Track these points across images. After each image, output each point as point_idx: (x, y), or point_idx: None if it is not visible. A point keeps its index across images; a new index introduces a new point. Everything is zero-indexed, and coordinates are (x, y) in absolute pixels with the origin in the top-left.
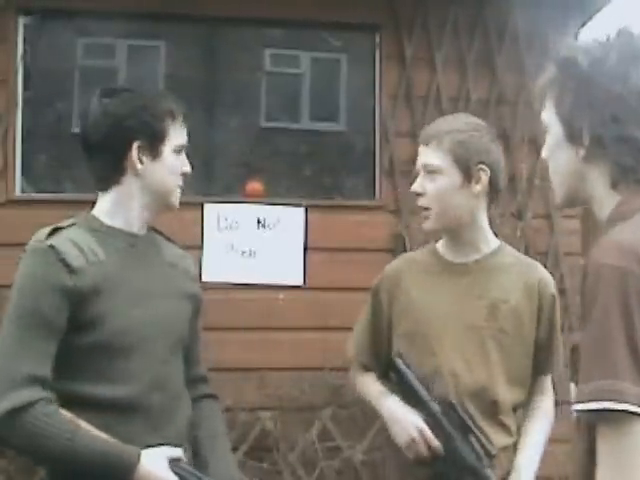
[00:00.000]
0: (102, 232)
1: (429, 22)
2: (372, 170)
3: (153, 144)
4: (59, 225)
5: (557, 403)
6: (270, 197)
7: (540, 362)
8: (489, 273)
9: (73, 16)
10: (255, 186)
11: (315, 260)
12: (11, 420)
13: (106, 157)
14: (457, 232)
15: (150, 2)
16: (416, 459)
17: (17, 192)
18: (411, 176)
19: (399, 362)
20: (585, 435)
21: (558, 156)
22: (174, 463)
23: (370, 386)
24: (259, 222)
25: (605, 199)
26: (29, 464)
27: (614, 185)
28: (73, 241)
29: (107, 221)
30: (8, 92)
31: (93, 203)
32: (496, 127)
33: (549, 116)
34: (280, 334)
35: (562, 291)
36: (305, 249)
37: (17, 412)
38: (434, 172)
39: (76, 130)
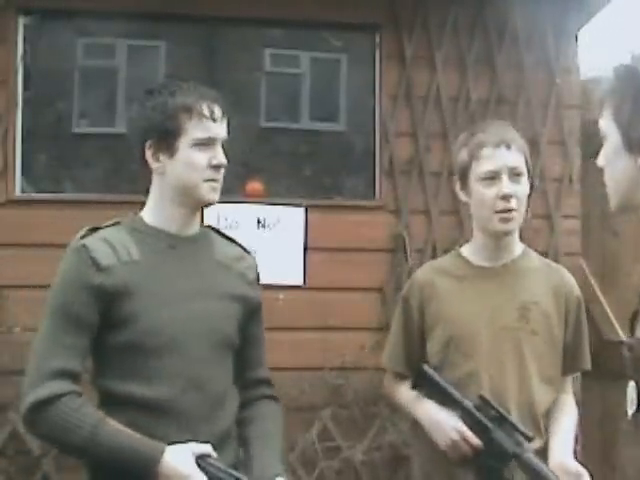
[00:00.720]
0: (142, 232)
1: (429, 22)
2: (372, 170)
3: (167, 141)
4: (99, 225)
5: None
6: (270, 197)
7: (567, 363)
8: (517, 276)
9: (73, 16)
10: (255, 186)
11: (315, 260)
12: (37, 412)
13: (137, 159)
14: (512, 234)
15: (150, 2)
16: (460, 459)
17: (17, 192)
18: (411, 176)
19: (426, 367)
20: None
21: (616, 164)
22: (202, 459)
23: (404, 393)
24: (259, 222)
25: None
26: (29, 464)
27: None
28: (107, 240)
29: (149, 221)
30: (8, 92)
31: (93, 203)
32: None
33: (607, 124)
34: (280, 334)
35: None
36: (305, 249)
37: (43, 404)
38: (520, 174)
39: (76, 130)
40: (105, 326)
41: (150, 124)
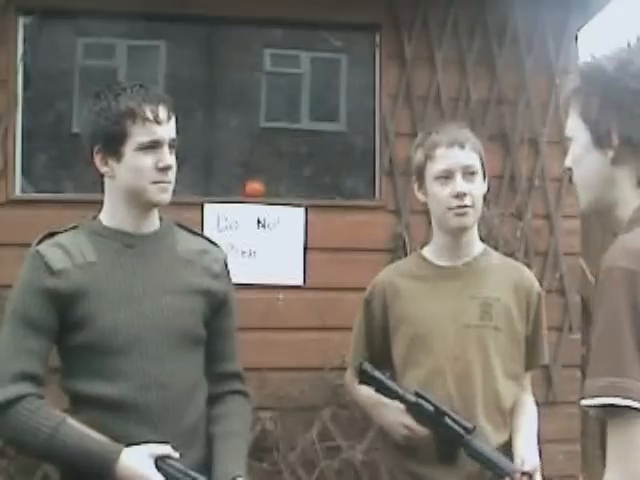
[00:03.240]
0: (99, 234)
1: (429, 22)
2: (372, 170)
3: (113, 146)
4: (55, 230)
5: (557, 403)
6: (270, 197)
7: (527, 358)
8: (478, 274)
9: (73, 16)
10: (255, 186)
11: (315, 260)
12: None
13: (89, 163)
14: (471, 232)
15: (150, 2)
16: (408, 443)
17: (17, 192)
18: (411, 176)
19: (366, 366)
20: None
21: (586, 162)
22: (162, 460)
23: (361, 391)
24: (259, 222)
25: (630, 199)
26: (29, 464)
27: None
28: (61, 244)
29: (106, 222)
30: (8, 92)
31: (93, 203)
32: (496, 127)
33: (575, 124)
34: (280, 334)
35: (562, 291)
36: (305, 249)
37: (3, 408)
38: (474, 173)
39: (76, 130)
40: (65, 328)
41: (96, 130)
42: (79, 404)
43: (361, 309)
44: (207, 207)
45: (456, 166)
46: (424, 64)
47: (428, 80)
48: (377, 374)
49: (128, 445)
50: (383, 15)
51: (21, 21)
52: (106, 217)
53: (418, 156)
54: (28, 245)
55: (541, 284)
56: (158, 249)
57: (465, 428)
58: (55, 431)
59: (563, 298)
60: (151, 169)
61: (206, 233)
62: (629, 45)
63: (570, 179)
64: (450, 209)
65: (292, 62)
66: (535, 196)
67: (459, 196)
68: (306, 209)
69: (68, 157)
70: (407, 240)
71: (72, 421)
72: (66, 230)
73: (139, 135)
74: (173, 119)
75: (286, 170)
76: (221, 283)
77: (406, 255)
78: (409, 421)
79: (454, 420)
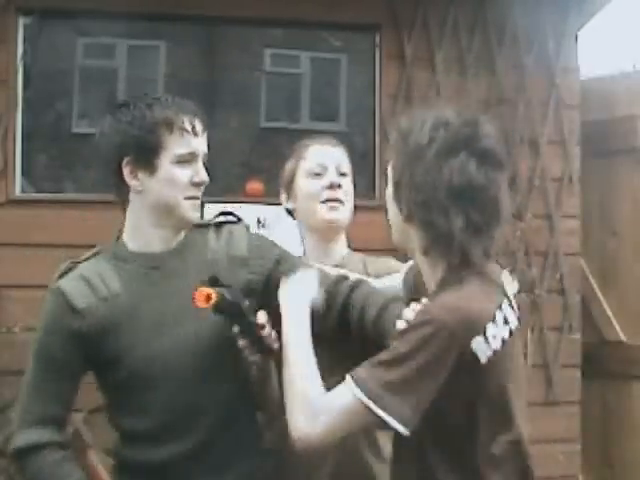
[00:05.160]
0: (123, 259)
1: (429, 22)
2: (372, 170)
3: (146, 158)
4: (77, 259)
5: (557, 403)
6: (270, 197)
7: None
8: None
9: (73, 16)
10: (255, 186)
11: None
12: (20, 459)
13: (112, 178)
14: (339, 231)
15: (150, 2)
16: None
17: (17, 192)
18: None
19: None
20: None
21: (390, 206)
22: None
23: None
24: (259, 222)
25: (420, 261)
26: None
27: (424, 253)
28: (83, 277)
29: (130, 246)
30: (8, 92)
31: (93, 203)
32: (496, 127)
33: (390, 169)
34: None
35: (562, 291)
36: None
37: (25, 453)
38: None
39: (76, 130)
40: (97, 365)
41: (127, 140)
42: (124, 438)
43: None
44: (207, 207)
45: (329, 162)
46: (424, 64)
47: (428, 80)
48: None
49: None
50: (383, 15)
51: (21, 21)
52: (130, 239)
53: (289, 165)
54: (28, 245)
55: (541, 284)
56: (186, 262)
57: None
58: None
59: (563, 298)
60: (186, 183)
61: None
62: (437, 126)
63: (570, 179)
64: (322, 202)
65: (292, 62)
66: (535, 196)
67: (332, 187)
68: None
69: (68, 157)
70: None
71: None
72: (88, 258)
73: (176, 146)
74: (206, 133)
75: None
76: (253, 265)
77: (406, 255)
78: None
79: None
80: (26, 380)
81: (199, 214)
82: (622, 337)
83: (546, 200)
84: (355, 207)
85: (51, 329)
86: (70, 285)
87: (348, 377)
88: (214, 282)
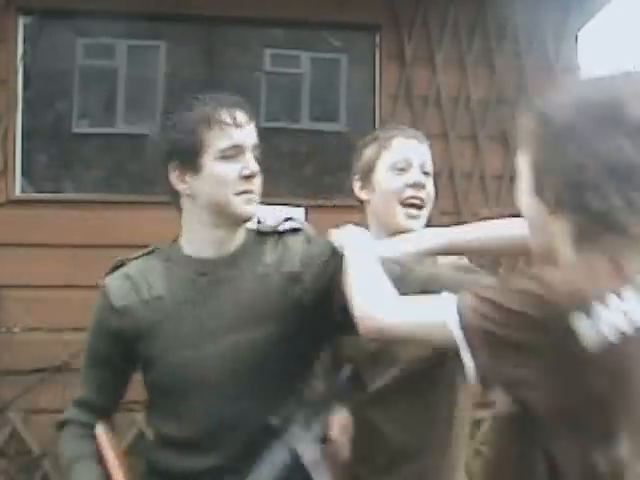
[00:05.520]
0: (175, 262)
1: (429, 22)
2: None
3: (190, 159)
4: (128, 257)
5: None
6: (270, 197)
7: None
8: None
9: (73, 16)
10: None
11: None
12: (57, 432)
13: (164, 185)
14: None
15: (150, 2)
16: None
17: (17, 192)
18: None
19: None
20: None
21: (527, 205)
22: None
23: None
24: (259, 222)
25: (568, 257)
26: (29, 464)
27: (575, 245)
28: (129, 276)
29: (185, 249)
30: (8, 92)
31: (93, 203)
32: (496, 127)
33: (523, 163)
34: None
35: None
36: None
37: (59, 426)
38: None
39: (76, 130)
40: (136, 364)
41: (170, 144)
42: (155, 440)
43: None
44: None
45: (415, 158)
46: (424, 64)
47: (428, 80)
48: None
49: None
50: (383, 15)
51: (21, 21)
52: (185, 243)
53: (368, 152)
54: (28, 245)
55: None
56: (238, 271)
57: None
58: (70, 464)
59: None
60: (235, 178)
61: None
62: (586, 102)
63: None
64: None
65: (292, 62)
66: None
67: (416, 187)
68: (306, 209)
69: (68, 157)
70: None
71: (88, 462)
72: (139, 256)
73: (217, 141)
74: (253, 123)
75: (286, 170)
76: (306, 281)
77: None
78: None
79: None
80: (81, 367)
81: (253, 208)
82: None
83: None
84: (355, 207)
85: (96, 325)
86: (114, 283)
87: (449, 295)
88: None
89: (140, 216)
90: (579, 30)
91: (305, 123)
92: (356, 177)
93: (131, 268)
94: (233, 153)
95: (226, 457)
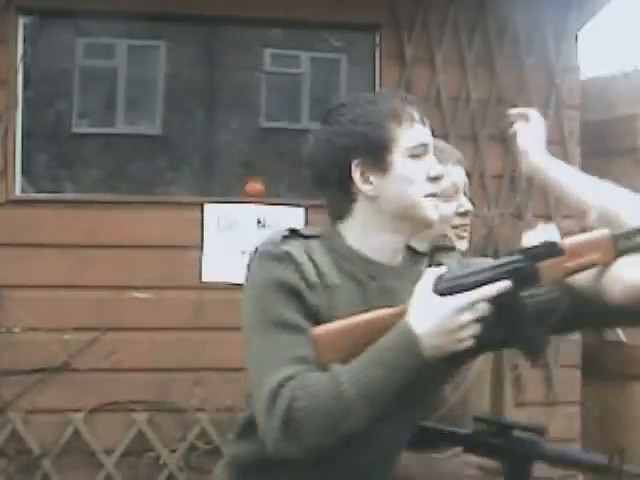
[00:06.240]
0: (342, 255)
1: (429, 22)
2: None
3: (377, 157)
4: (298, 230)
5: (557, 403)
6: (270, 197)
7: None
8: None
9: (73, 16)
10: (255, 186)
11: None
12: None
13: (331, 189)
14: None
15: (150, 2)
16: None
17: (17, 192)
18: None
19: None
20: None
21: None
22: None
23: None
24: (259, 222)
25: None
26: (29, 464)
27: None
28: (309, 254)
29: (352, 244)
30: (8, 92)
31: (93, 203)
32: (496, 127)
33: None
34: None
35: None
36: None
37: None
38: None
39: (76, 130)
40: None
41: (354, 141)
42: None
43: None
44: (207, 207)
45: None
46: (424, 64)
47: (428, 80)
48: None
49: None
50: (383, 15)
51: (21, 21)
52: (353, 238)
53: None
54: (28, 245)
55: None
56: (403, 285)
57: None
58: (337, 384)
59: None
60: (423, 179)
61: (206, 233)
62: None
63: None
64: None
65: (292, 62)
66: (535, 196)
67: (465, 214)
68: (306, 209)
69: (68, 157)
70: None
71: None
72: (308, 236)
73: (407, 139)
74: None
75: (286, 170)
76: None
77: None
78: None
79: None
80: (257, 352)
81: (439, 216)
82: (622, 337)
83: (546, 200)
84: None
85: (284, 289)
86: (302, 257)
87: None
88: None
89: (140, 216)
90: (579, 30)
91: (305, 123)
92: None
93: (308, 247)
94: (420, 152)
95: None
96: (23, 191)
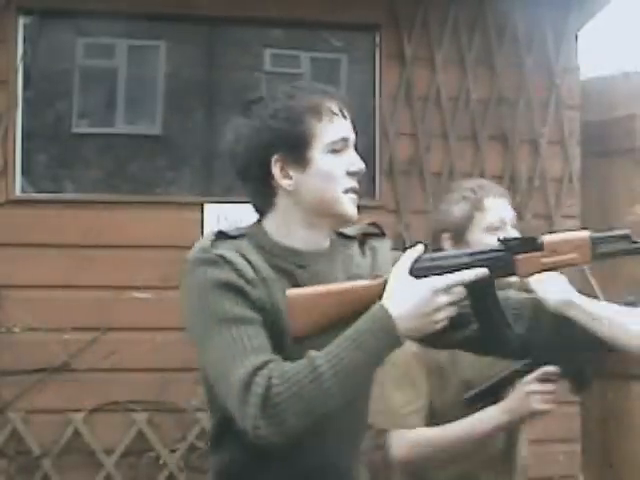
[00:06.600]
0: (269, 251)
1: (429, 22)
2: (372, 170)
3: (297, 152)
4: (225, 232)
5: (558, 403)
6: None
7: None
8: None
9: (73, 16)
10: None
11: None
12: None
13: (252, 183)
14: None
15: (150, 2)
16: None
17: (17, 192)
18: (411, 176)
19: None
20: None
21: None
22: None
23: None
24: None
25: None
26: (29, 464)
27: None
28: (241, 253)
29: (276, 238)
30: (8, 92)
31: (93, 203)
32: (496, 127)
33: None
34: None
35: None
36: None
37: (248, 379)
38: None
39: (76, 130)
40: None
41: (273, 135)
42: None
43: None
44: (207, 207)
45: (506, 218)
46: (424, 64)
47: (428, 80)
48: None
49: None
50: (383, 15)
51: (21, 21)
52: (276, 232)
53: (459, 211)
54: (28, 245)
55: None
56: (334, 268)
57: None
58: (314, 368)
59: None
60: (342, 174)
61: (206, 233)
62: None
63: (570, 179)
64: None
65: (292, 62)
66: (535, 196)
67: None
68: None
69: (68, 157)
70: (407, 240)
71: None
72: (234, 236)
73: (328, 134)
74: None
75: None
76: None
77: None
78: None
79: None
80: (216, 350)
81: (356, 210)
82: None
83: (546, 200)
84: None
85: (226, 288)
86: (234, 256)
87: None
88: None
89: (140, 216)
90: (579, 30)
91: None
92: (446, 235)
93: (237, 245)
94: (341, 147)
95: (328, 460)
96: (23, 191)
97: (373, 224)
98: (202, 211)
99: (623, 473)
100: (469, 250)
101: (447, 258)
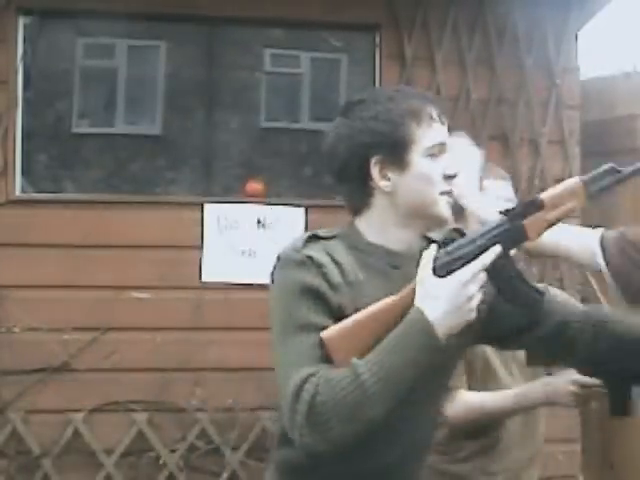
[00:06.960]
0: (362, 251)
1: (429, 22)
2: None
3: (396, 155)
4: (318, 233)
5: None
6: (270, 197)
7: None
8: None
9: (73, 16)
10: (255, 186)
11: None
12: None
13: (349, 183)
14: None
15: (150, 2)
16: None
17: (17, 192)
18: None
19: None
20: None
21: None
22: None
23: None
24: (259, 222)
25: None
26: (29, 464)
27: None
28: (330, 255)
29: (370, 238)
30: (8, 92)
31: (93, 203)
32: (496, 127)
33: None
34: None
35: (562, 291)
36: None
37: (297, 389)
38: None
39: (76, 130)
40: None
41: (374, 137)
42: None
43: None
44: (207, 207)
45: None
46: (424, 64)
47: (428, 80)
48: None
49: None
50: (383, 15)
51: (21, 21)
52: (371, 232)
53: None
54: (28, 245)
55: (541, 284)
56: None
57: None
58: (357, 375)
59: None
60: (440, 178)
61: (206, 233)
62: None
63: None
64: None
65: (292, 62)
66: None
67: None
68: (306, 209)
69: (68, 157)
70: None
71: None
72: (328, 237)
73: (426, 138)
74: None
75: (286, 170)
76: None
77: None
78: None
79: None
80: (283, 355)
81: (450, 213)
82: None
83: None
84: None
85: (309, 294)
86: (323, 259)
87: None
88: None
89: (140, 216)
90: (579, 30)
91: (305, 123)
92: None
93: (328, 248)
94: (437, 151)
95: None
96: (23, 191)
97: (456, 230)
98: (202, 211)
99: (623, 473)
100: (478, 232)
101: (461, 247)
